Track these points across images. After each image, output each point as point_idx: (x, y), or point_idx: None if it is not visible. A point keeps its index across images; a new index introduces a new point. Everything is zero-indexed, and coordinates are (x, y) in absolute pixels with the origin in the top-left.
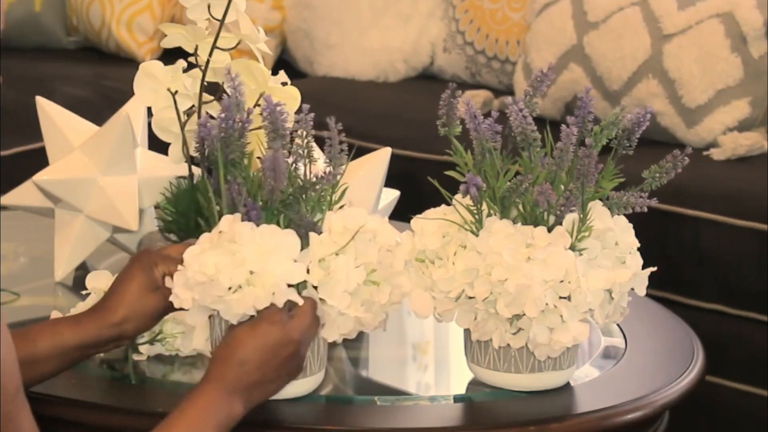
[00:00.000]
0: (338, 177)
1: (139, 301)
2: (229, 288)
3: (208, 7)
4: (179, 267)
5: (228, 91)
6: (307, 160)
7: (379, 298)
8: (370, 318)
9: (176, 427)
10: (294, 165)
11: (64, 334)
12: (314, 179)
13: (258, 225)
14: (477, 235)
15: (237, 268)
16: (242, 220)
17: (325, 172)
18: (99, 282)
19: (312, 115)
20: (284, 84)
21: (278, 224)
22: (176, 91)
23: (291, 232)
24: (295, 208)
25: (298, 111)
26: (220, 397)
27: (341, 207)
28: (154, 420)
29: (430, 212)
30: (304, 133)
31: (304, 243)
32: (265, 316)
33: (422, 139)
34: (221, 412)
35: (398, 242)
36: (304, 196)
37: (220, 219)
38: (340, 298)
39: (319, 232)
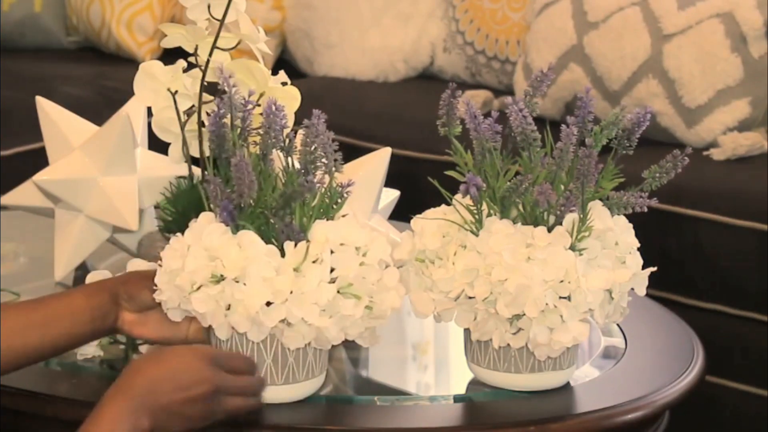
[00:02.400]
0: (320, 185)
1: (142, 272)
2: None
3: (208, 7)
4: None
5: (224, 89)
6: (313, 166)
7: (353, 311)
8: (336, 332)
9: None
10: (298, 171)
11: (75, 294)
12: (304, 185)
13: (232, 227)
14: (477, 235)
15: (203, 269)
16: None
17: (306, 181)
18: None
19: (323, 119)
20: (284, 84)
21: (259, 231)
22: (176, 91)
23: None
24: (280, 214)
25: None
26: (127, 410)
27: (343, 216)
28: None
29: (430, 212)
30: (311, 140)
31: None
32: (195, 351)
33: (422, 139)
34: (128, 425)
35: (389, 263)
36: (291, 204)
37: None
38: (308, 309)
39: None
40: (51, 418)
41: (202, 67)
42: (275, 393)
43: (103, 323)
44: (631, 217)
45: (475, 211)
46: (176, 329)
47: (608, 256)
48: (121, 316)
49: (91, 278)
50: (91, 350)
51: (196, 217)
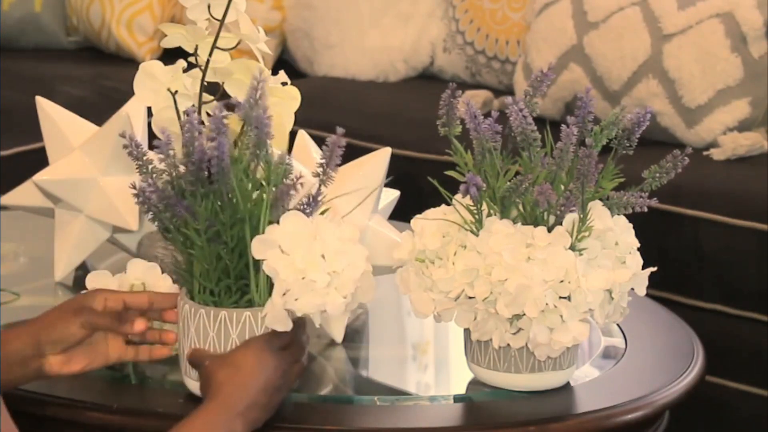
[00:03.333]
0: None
1: (64, 312)
2: None
3: (208, 7)
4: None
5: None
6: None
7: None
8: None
9: None
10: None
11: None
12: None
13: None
14: (477, 235)
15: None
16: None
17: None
18: (99, 282)
19: (343, 144)
20: (284, 84)
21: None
22: (176, 91)
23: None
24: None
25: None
26: (221, 418)
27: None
28: (153, 420)
29: (430, 212)
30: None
31: None
32: (256, 346)
33: (422, 139)
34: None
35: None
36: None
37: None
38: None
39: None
40: (51, 418)
41: (202, 67)
42: None
43: (23, 370)
44: (631, 217)
45: (475, 211)
46: (98, 354)
47: (608, 256)
48: (45, 362)
49: (91, 279)
50: None
51: None
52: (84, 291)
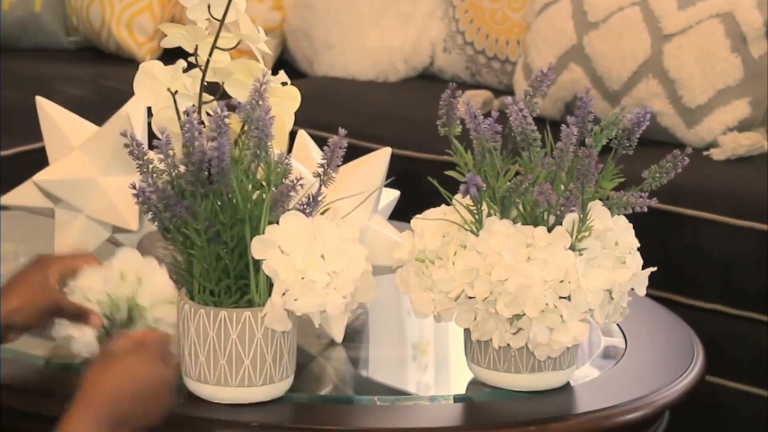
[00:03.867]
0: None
1: (32, 296)
2: None
3: (208, 7)
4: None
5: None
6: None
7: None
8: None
9: None
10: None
11: None
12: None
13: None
14: (477, 235)
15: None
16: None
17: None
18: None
19: (345, 145)
20: (284, 84)
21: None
22: (176, 91)
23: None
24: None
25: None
26: (90, 425)
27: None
28: None
29: (430, 212)
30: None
31: None
32: (142, 352)
33: (422, 139)
34: None
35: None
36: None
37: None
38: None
39: None
40: (51, 418)
41: (202, 67)
42: (254, 393)
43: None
44: (631, 217)
45: (475, 211)
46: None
47: (608, 256)
48: (7, 337)
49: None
50: (88, 348)
51: None
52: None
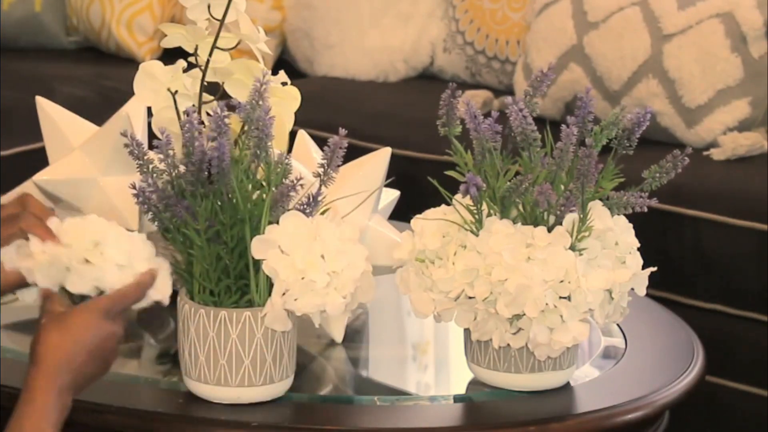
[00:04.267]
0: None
1: None
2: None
3: (208, 7)
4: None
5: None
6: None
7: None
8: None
9: None
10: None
11: None
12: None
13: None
14: (477, 235)
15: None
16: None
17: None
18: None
19: (345, 145)
20: (284, 84)
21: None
22: (176, 91)
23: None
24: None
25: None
26: (53, 399)
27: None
28: (153, 420)
29: (430, 212)
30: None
31: None
32: (92, 311)
33: (422, 139)
34: (57, 411)
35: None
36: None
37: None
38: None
39: None
40: None
41: (202, 67)
42: (254, 393)
43: None
44: (631, 217)
45: (475, 211)
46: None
47: (608, 256)
48: None
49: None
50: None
51: None
52: None
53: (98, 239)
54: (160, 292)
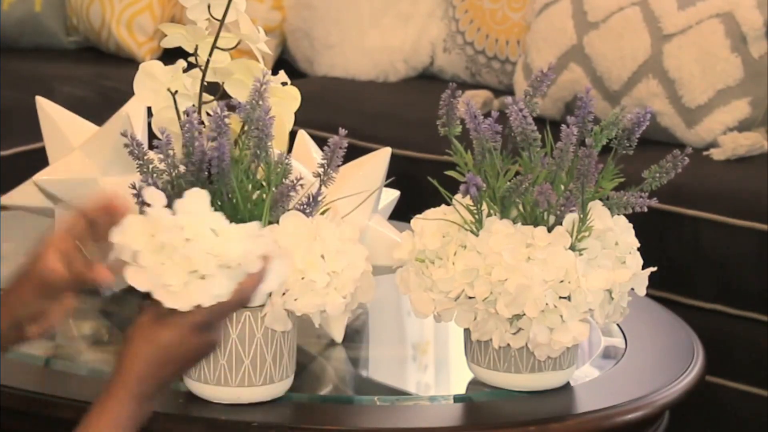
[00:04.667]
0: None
1: (26, 288)
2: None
3: (208, 7)
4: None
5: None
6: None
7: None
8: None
9: None
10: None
11: None
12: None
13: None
14: (477, 235)
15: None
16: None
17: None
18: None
19: (345, 145)
20: (284, 84)
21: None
22: (176, 91)
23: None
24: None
25: (299, 114)
26: (132, 408)
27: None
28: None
29: (430, 212)
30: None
31: None
32: (184, 324)
33: (422, 139)
34: (133, 420)
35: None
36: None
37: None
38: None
39: None
40: (51, 418)
41: (202, 67)
42: (254, 393)
43: (4, 343)
44: (631, 217)
45: (475, 211)
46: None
47: (608, 256)
48: (25, 333)
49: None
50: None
51: None
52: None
53: (209, 248)
54: (272, 284)
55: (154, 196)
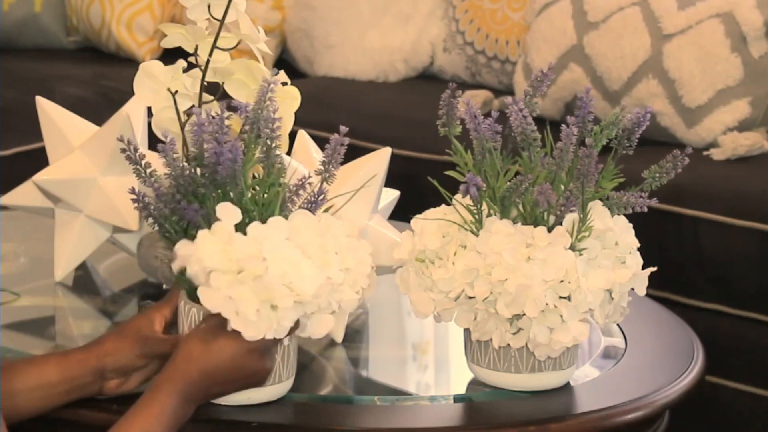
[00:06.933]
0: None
1: (123, 339)
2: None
3: (208, 7)
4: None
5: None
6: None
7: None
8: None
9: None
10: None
11: (48, 367)
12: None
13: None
14: (477, 235)
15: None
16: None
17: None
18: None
19: (346, 143)
20: (284, 84)
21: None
22: (176, 91)
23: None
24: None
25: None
26: (175, 404)
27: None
28: None
29: (430, 212)
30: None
31: None
32: (243, 344)
33: (422, 139)
34: (174, 417)
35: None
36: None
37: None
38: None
39: None
40: (50, 418)
41: (202, 67)
42: (254, 393)
43: (81, 393)
44: (631, 217)
45: (475, 211)
46: (150, 370)
47: (608, 256)
48: (104, 386)
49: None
50: None
51: None
52: (144, 305)
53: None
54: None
55: (227, 212)
